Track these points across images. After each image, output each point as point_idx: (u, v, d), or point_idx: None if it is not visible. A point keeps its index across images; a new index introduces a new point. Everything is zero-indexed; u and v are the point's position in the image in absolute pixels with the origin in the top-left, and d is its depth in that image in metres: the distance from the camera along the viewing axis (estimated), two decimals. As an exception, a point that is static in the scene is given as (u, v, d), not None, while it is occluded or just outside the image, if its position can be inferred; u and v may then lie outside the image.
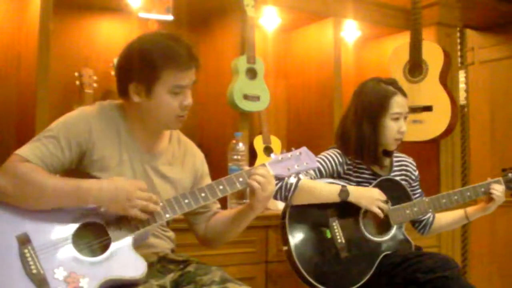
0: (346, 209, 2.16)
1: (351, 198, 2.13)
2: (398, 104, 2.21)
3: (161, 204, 1.61)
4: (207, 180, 1.87)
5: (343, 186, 2.13)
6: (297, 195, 2.11)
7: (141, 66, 1.62)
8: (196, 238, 1.90)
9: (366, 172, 2.27)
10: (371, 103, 2.21)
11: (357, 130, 2.22)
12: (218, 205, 1.91)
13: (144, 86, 1.63)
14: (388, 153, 2.29)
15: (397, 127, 2.21)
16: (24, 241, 1.49)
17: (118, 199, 1.52)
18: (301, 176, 2.12)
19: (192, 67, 1.66)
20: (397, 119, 2.21)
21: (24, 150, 1.57)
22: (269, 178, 1.69)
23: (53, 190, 1.52)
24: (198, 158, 1.88)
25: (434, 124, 3.17)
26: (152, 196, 1.56)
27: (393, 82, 2.26)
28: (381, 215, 2.15)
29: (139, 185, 1.56)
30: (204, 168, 1.90)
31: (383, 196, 2.16)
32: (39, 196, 1.51)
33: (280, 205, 2.31)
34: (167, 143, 1.80)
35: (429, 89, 3.17)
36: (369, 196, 2.14)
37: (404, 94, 2.24)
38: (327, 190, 2.14)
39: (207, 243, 1.89)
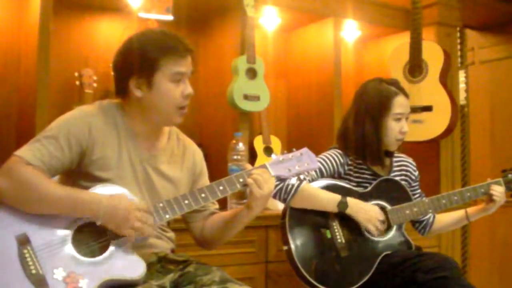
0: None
1: (349, 211, 2.12)
2: (400, 104, 2.21)
3: (161, 204, 1.61)
4: (205, 179, 1.88)
5: (343, 197, 2.13)
6: (296, 199, 2.11)
7: (139, 60, 1.64)
8: (192, 238, 1.90)
9: (367, 172, 2.27)
10: (373, 103, 2.21)
11: (360, 130, 2.22)
12: (216, 206, 1.91)
13: (144, 79, 1.64)
14: (389, 154, 2.30)
15: (399, 128, 2.22)
16: (23, 241, 1.49)
17: (115, 217, 1.52)
18: (302, 177, 2.12)
19: (188, 55, 1.68)
20: (399, 119, 2.22)
21: (24, 151, 1.57)
22: (266, 177, 1.69)
23: (53, 198, 1.52)
24: (197, 156, 1.89)
25: (434, 124, 3.18)
26: (149, 219, 1.55)
27: (395, 83, 2.26)
28: (376, 234, 2.14)
29: (139, 206, 1.55)
30: (203, 166, 1.90)
31: (381, 216, 2.16)
32: (38, 203, 1.52)
33: (280, 205, 2.32)
34: (166, 142, 1.80)
35: (429, 89, 3.17)
36: (367, 213, 2.13)
37: (406, 95, 2.25)
38: (327, 199, 2.14)
39: (203, 243, 1.88)
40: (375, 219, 2.13)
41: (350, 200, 2.14)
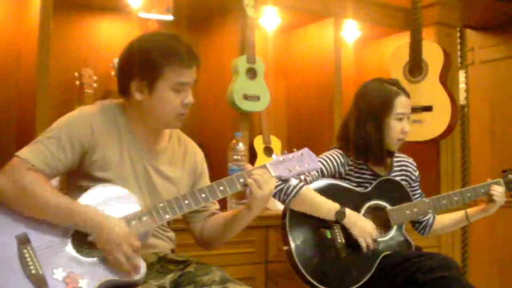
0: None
1: (346, 221, 2.12)
2: (402, 104, 2.21)
3: (161, 204, 1.61)
4: (206, 179, 1.88)
5: (341, 207, 2.13)
6: (295, 202, 2.11)
7: (143, 63, 1.63)
8: (192, 238, 1.90)
9: (367, 172, 2.27)
10: (375, 103, 2.21)
11: (361, 130, 2.21)
12: (217, 206, 1.90)
13: (146, 83, 1.63)
14: (390, 154, 2.30)
15: (400, 127, 2.22)
16: (23, 241, 1.49)
17: (106, 240, 1.50)
18: (302, 177, 2.11)
19: (193, 65, 1.67)
20: (401, 119, 2.22)
21: (26, 153, 1.56)
22: (267, 177, 1.68)
23: (51, 208, 1.51)
24: (198, 156, 1.88)
25: (434, 124, 3.18)
26: (134, 259, 1.51)
27: (396, 83, 2.26)
28: (364, 250, 2.13)
29: (132, 242, 1.51)
30: (204, 166, 1.90)
31: (375, 233, 2.15)
32: (36, 210, 1.52)
33: (280, 205, 2.32)
34: (167, 142, 1.80)
35: (429, 89, 3.17)
36: (362, 227, 2.12)
37: (407, 95, 2.25)
38: (325, 206, 2.13)
39: (203, 243, 1.88)
40: (368, 235, 2.12)
41: (348, 211, 2.13)
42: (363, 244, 2.11)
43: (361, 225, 2.13)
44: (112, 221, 1.52)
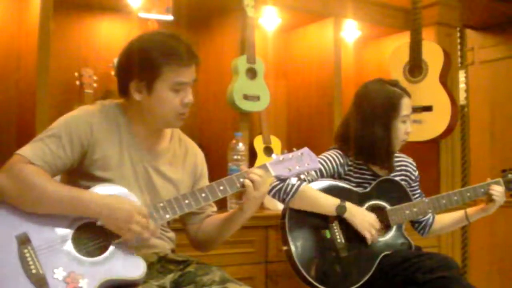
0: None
1: (347, 215, 2.12)
2: (406, 106, 2.22)
3: (161, 204, 1.61)
4: (205, 180, 1.88)
5: (341, 201, 2.13)
6: (295, 200, 2.11)
7: (141, 64, 1.63)
8: (187, 238, 1.90)
9: (367, 172, 2.27)
10: (380, 106, 2.20)
11: (366, 132, 2.21)
12: (214, 208, 1.91)
13: (145, 83, 1.63)
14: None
15: (404, 129, 2.22)
16: (24, 241, 1.49)
17: (116, 219, 1.51)
18: (302, 177, 2.12)
19: (192, 64, 1.67)
20: (405, 121, 2.22)
21: (26, 151, 1.56)
22: (265, 179, 1.69)
23: (54, 197, 1.52)
24: (199, 157, 1.89)
25: (434, 124, 3.18)
26: (149, 225, 1.55)
27: (397, 84, 2.26)
28: (369, 241, 2.13)
29: (141, 210, 1.54)
30: (204, 167, 1.90)
31: (377, 224, 2.15)
32: (39, 202, 1.51)
33: (279, 205, 2.32)
34: (168, 143, 1.80)
35: (429, 89, 3.17)
36: (364, 219, 2.13)
37: (409, 95, 2.25)
38: (325, 201, 2.13)
39: (197, 244, 1.88)
40: (371, 226, 2.13)
41: (349, 204, 2.13)
42: (368, 236, 2.12)
43: (363, 217, 2.13)
44: (116, 199, 1.54)
